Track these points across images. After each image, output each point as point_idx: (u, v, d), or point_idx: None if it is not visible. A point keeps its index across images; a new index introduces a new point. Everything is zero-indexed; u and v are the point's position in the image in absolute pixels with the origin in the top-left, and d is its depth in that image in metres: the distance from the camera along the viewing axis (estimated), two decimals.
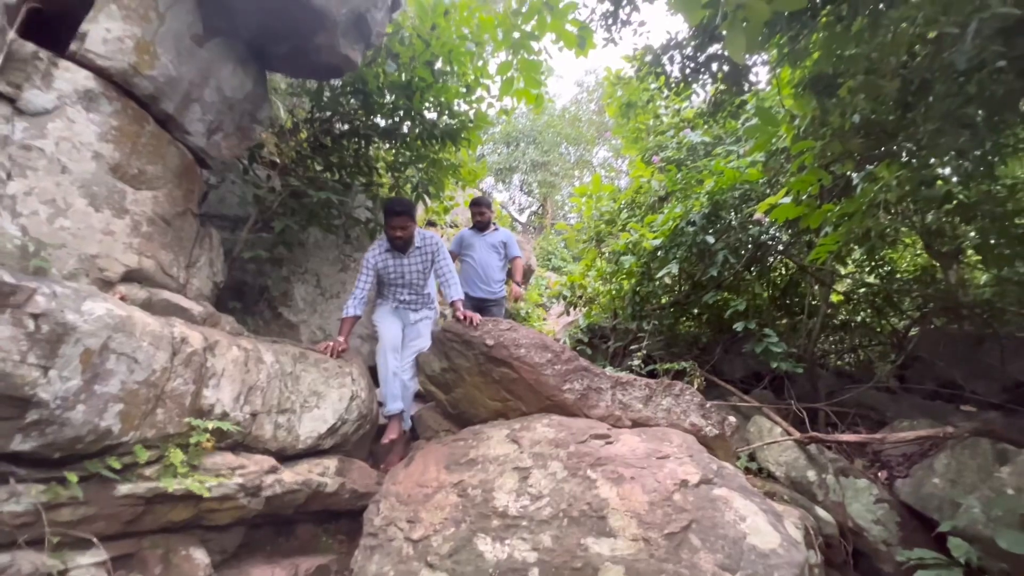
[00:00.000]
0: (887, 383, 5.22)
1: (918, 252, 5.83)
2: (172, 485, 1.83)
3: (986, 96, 2.22)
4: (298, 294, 3.90)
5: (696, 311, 5.62)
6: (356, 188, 3.99)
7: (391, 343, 3.23)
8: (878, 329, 6.03)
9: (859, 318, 6.08)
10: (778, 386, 5.04)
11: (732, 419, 2.95)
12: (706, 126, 5.09)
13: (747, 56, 2.60)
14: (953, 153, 2.44)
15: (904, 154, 2.56)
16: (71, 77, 2.28)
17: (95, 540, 1.60)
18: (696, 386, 4.27)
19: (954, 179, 3.53)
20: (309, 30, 2.94)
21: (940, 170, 3.41)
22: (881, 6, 2.34)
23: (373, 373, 3.35)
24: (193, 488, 1.87)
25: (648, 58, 2.97)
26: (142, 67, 2.47)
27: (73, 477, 1.60)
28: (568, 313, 6.34)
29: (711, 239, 4.47)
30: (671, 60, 2.93)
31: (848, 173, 3.10)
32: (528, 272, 8.26)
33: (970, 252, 4.81)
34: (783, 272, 5.96)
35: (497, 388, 3.05)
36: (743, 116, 3.54)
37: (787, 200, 3.22)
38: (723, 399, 4.44)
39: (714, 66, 2.86)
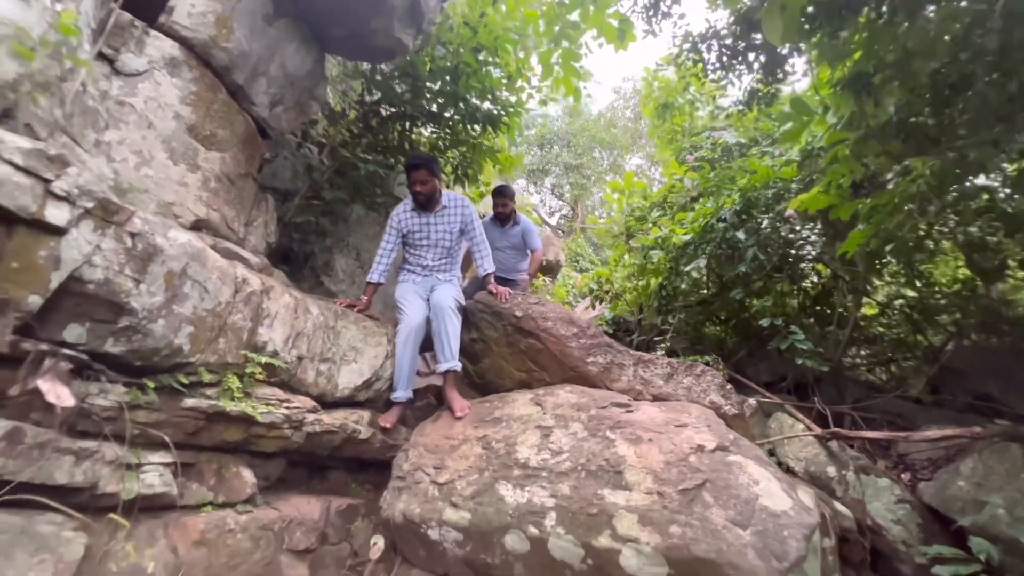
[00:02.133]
0: (918, 393, 5.12)
1: (958, 266, 5.70)
2: (229, 406, 2.03)
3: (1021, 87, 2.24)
4: (339, 265, 4.13)
5: (723, 316, 5.62)
6: (398, 169, 4.21)
7: (413, 325, 2.96)
8: (912, 342, 5.90)
9: (893, 331, 5.96)
10: (803, 393, 5.01)
11: (752, 401, 3.01)
12: (741, 126, 5.13)
13: (784, 45, 2.67)
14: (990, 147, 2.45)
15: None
16: (159, 45, 2.55)
17: (168, 440, 1.81)
18: (732, 388, 4.30)
19: (1001, 190, 3.50)
20: (367, 14, 3.17)
21: (981, 178, 3.38)
22: (928, 9, 2.38)
23: None
24: (247, 411, 2.07)
25: (687, 46, 3.07)
26: (220, 40, 2.73)
27: (151, 384, 1.81)
28: (594, 307, 6.43)
29: (741, 235, 4.50)
30: (709, 48, 3.02)
31: (883, 172, 3.12)
32: (556, 267, 8.38)
33: (1014, 265, 4.70)
34: (815, 280, 5.91)
35: (523, 359, 3.18)
36: (776, 107, 3.59)
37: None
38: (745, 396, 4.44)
39: (751, 56, 2.95)
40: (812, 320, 5.79)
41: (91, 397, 1.64)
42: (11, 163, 1.32)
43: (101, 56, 2.31)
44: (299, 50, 3.26)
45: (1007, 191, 3.67)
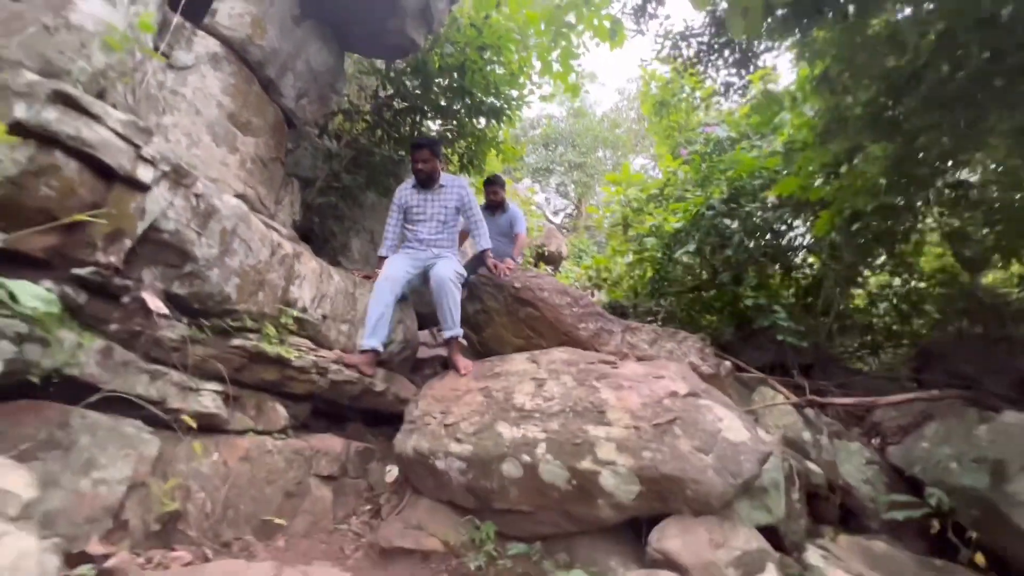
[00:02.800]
0: (898, 375, 5.40)
1: (942, 255, 5.95)
2: (269, 348, 2.38)
3: (961, 80, 2.57)
4: (355, 246, 4.49)
5: (717, 304, 5.90)
6: (407, 158, 4.57)
7: (388, 281, 3.11)
8: (899, 331, 6.15)
9: (883, 320, 6.21)
10: (792, 375, 5.28)
11: (727, 363, 3.32)
12: (732, 122, 5.44)
13: (753, 36, 2.98)
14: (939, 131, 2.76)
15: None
16: (204, 43, 2.92)
17: (222, 370, 2.17)
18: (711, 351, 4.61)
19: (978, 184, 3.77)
20: (384, 15, 3.53)
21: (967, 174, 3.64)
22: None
23: (419, 316, 3.86)
24: (283, 353, 2.43)
25: (668, 43, 3.40)
26: (255, 38, 3.10)
27: (206, 323, 2.17)
28: (593, 294, 6.75)
29: (728, 222, 4.82)
30: (688, 45, 3.35)
31: (850, 158, 3.42)
32: (558, 259, 8.72)
33: (998, 257, 4.95)
34: (808, 272, 6.17)
35: (521, 326, 3.52)
36: (749, 97, 3.92)
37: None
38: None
39: (726, 52, 3.27)
40: (806, 314, 6.06)
41: (162, 329, 2.00)
42: (113, 130, 1.68)
43: (159, 50, 2.68)
44: (322, 48, 3.63)
45: (979, 186, 3.96)
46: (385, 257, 3.46)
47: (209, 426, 2.19)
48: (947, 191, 3.85)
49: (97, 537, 1.65)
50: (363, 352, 2.99)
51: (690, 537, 2.04)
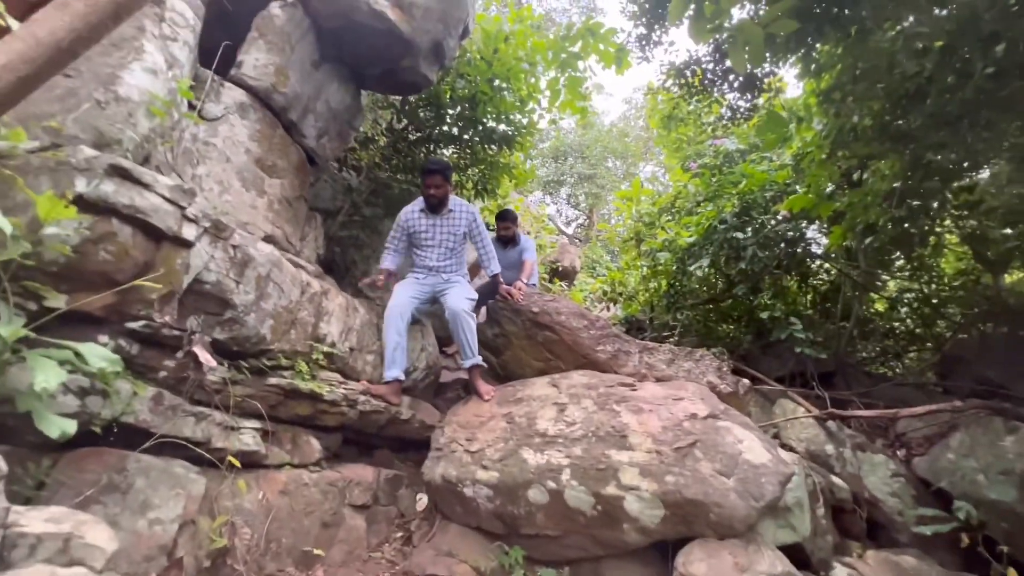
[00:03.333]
0: (922, 381, 5.34)
1: (961, 257, 5.89)
2: (302, 384, 2.50)
3: (965, 98, 2.61)
4: (375, 273, 4.63)
5: (736, 314, 5.91)
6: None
7: (397, 308, 3.14)
8: (922, 335, 6.08)
9: (905, 324, 6.14)
10: (812, 386, 5.26)
11: (746, 381, 3.36)
12: (741, 134, 5.50)
13: (756, 67, 3.07)
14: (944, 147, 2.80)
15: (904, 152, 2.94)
16: (231, 94, 3.10)
17: (260, 408, 2.29)
18: (728, 369, 4.63)
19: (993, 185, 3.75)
20: (398, 55, 3.69)
21: (976, 175, 3.63)
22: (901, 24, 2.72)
23: (439, 339, 3.97)
24: (315, 389, 2.55)
25: (673, 72, 3.49)
26: (279, 86, 3.27)
27: (244, 364, 2.30)
28: (608, 308, 6.81)
29: (740, 235, 4.86)
30: (692, 73, 3.43)
31: (861, 171, 3.47)
32: (572, 273, 8.79)
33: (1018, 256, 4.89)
34: (825, 278, 6.15)
35: (540, 349, 3.60)
36: (755, 120, 3.98)
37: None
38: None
39: (731, 77, 3.35)
40: (824, 320, 6.04)
41: (206, 374, 2.13)
42: (161, 195, 1.82)
43: (191, 106, 2.85)
44: (340, 89, 3.79)
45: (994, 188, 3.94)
46: (387, 269, 3.45)
47: (250, 462, 2.30)
48: (964, 194, 3.82)
49: (154, 574, 1.76)
50: (387, 383, 3.07)
51: (715, 561, 2.09)
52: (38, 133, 1.74)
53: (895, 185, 3.05)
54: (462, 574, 2.41)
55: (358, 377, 3.06)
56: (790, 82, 3.82)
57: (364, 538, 2.62)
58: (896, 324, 6.29)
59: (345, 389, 2.76)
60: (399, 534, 2.74)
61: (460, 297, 3.30)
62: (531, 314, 3.58)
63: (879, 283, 5.77)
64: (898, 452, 4.00)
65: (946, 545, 3.26)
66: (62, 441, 1.41)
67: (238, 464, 2.13)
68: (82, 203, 1.63)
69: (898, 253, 5.15)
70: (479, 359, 3.35)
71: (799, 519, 2.70)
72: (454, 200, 3.45)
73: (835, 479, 3.66)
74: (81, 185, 1.65)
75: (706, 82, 3.39)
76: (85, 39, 1.19)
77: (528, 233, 8.00)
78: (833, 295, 5.98)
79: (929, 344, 6.00)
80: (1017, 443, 3.12)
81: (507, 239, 4.36)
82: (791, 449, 4.13)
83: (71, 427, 1.37)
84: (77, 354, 1.52)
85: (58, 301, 1.58)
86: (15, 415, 1.44)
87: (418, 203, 3.43)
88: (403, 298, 3.23)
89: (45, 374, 1.28)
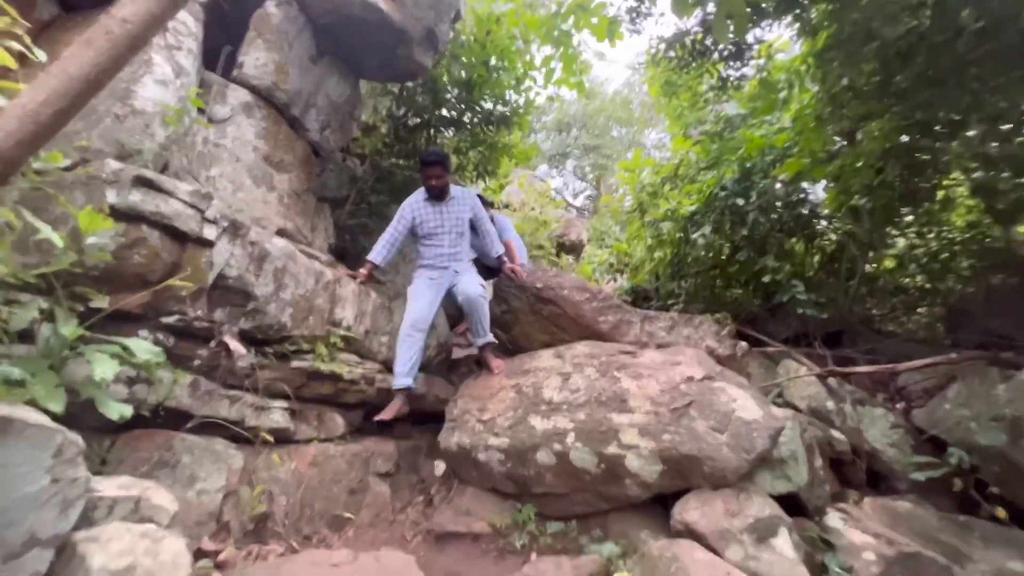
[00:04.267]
0: (930, 336, 5.39)
1: (971, 210, 5.83)
2: (323, 366, 2.71)
3: (956, 54, 2.63)
4: (396, 255, 4.80)
5: (742, 279, 5.96)
6: None
7: (414, 320, 3.10)
8: (931, 290, 6.09)
9: (914, 281, 6.15)
10: (820, 346, 5.35)
11: (744, 344, 3.49)
12: (742, 98, 5.47)
13: (740, 37, 3.08)
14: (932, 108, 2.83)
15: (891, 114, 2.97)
16: (236, 95, 3.23)
17: (287, 389, 2.51)
18: (728, 334, 4.76)
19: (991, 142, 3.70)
20: (392, 44, 3.77)
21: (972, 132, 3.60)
22: None
23: (449, 318, 4.15)
24: (336, 369, 2.75)
25: (662, 45, 3.51)
26: (280, 83, 3.39)
27: (269, 350, 2.50)
28: (615, 280, 6.92)
29: (741, 201, 4.90)
30: (681, 46, 3.44)
31: (853, 134, 3.50)
32: (579, 247, 8.89)
33: None
34: (832, 239, 6.16)
35: (546, 323, 3.77)
36: (750, 89, 3.98)
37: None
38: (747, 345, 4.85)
39: (720, 47, 3.36)
40: (833, 280, 6.06)
41: (236, 360, 2.34)
42: (183, 201, 1.99)
43: (199, 110, 3.00)
44: (339, 82, 3.90)
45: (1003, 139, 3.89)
46: (372, 263, 3.36)
47: (281, 438, 2.53)
48: (975, 143, 3.75)
49: (207, 537, 2.01)
50: (399, 390, 3.06)
51: (707, 508, 2.27)
52: (69, 151, 1.91)
53: (887, 146, 3.08)
54: (480, 530, 2.64)
55: (374, 357, 3.26)
56: (760, 58, 3.81)
57: (389, 502, 2.86)
58: (906, 281, 6.30)
59: (363, 369, 2.97)
60: (420, 498, 2.97)
61: (473, 283, 3.35)
62: (535, 290, 3.73)
63: (888, 241, 5.76)
64: (898, 405, 4.12)
65: (942, 490, 3.41)
66: (120, 423, 1.63)
67: (271, 440, 2.36)
68: (114, 213, 1.81)
69: (906, 208, 5.13)
70: (491, 337, 3.48)
71: (794, 470, 2.86)
72: (453, 188, 3.48)
73: (835, 433, 3.81)
74: (112, 196, 1.83)
75: (695, 54, 3.41)
76: (108, 70, 1.34)
77: (532, 209, 8.09)
78: (840, 255, 6.00)
79: (938, 300, 6.02)
80: (1009, 390, 3.22)
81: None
82: (794, 407, 4.27)
83: (128, 411, 1.58)
84: (124, 348, 1.73)
85: (103, 302, 1.78)
86: (77, 403, 1.65)
87: (420, 194, 3.44)
88: (422, 312, 3.16)
89: (102, 366, 1.48)
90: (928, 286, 6.07)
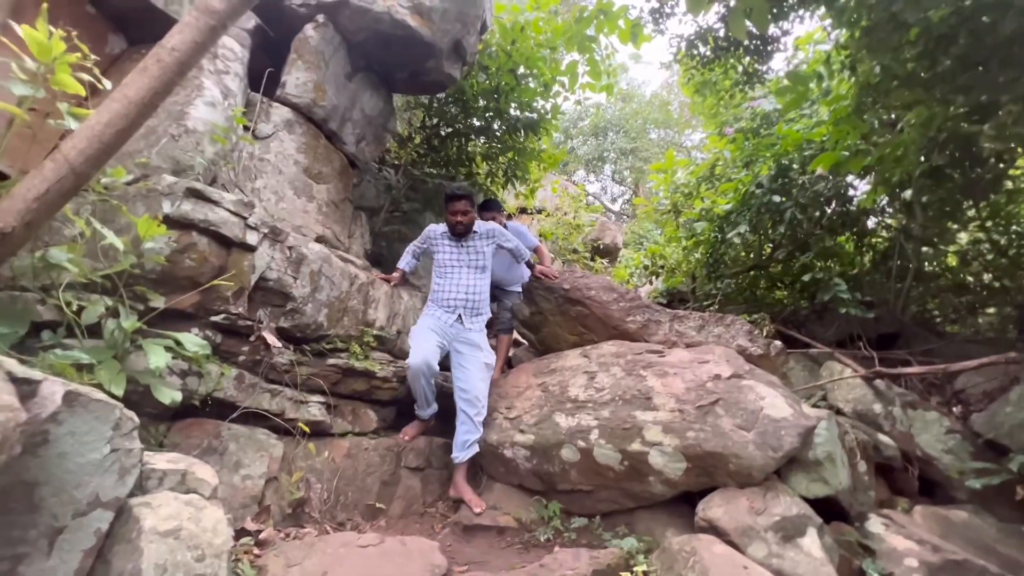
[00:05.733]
0: (999, 338, 5.03)
1: None
2: (357, 364, 2.87)
3: (992, 41, 2.51)
4: (419, 264, 4.99)
5: (786, 279, 5.75)
6: (459, 178, 5.00)
7: (419, 366, 2.89)
8: (998, 288, 5.68)
9: (980, 279, 5.75)
10: (868, 347, 5.09)
11: (778, 343, 3.39)
12: (779, 92, 5.32)
13: (762, 32, 3.03)
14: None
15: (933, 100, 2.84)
16: (279, 112, 3.48)
17: (324, 385, 2.67)
18: (765, 334, 4.61)
19: None
20: (421, 58, 3.95)
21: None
22: None
23: None
24: (369, 366, 2.90)
25: (684, 44, 3.49)
26: (318, 100, 3.63)
27: (307, 348, 2.68)
28: (651, 282, 6.84)
29: (778, 199, 4.76)
30: (704, 43, 3.41)
31: (897, 123, 3.36)
32: (614, 251, 8.84)
33: None
34: (884, 236, 5.85)
35: (574, 324, 3.80)
36: (774, 82, 3.87)
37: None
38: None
39: (746, 42, 3.31)
40: (886, 278, 5.75)
41: (276, 357, 2.53)
42: (228, 210, 2.19)
43: (244, 128, 3.26)
44: (373, 96, 4.12)
45: None
46: (402, 270, 3.47)
47: (318, 431, 2.69)
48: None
49: (249, 518, 2.17)
50: (421, 421, 3.19)
51: (731, 506, 2.24)
52: (131, 167, 2.15)
53: (930, 135, 2.94)
54: (506, 524, 2.70)
55: (405, 357, 3.39)
56: (787, 50, 3.70)
57: (420, 496, 2.97)
58: (970, 279, 5.89)
59: (394, 367, 3.11)
60: (450, 492, 3.06)
61: (476, 377, 3.05)
62: (563, 291, 3.78)
63: (947, 235, 5.41)
64: (954, 409, 3.87)
65: (1004, 500, 3.18)
66: (173, 408, 1.81)
67: (308, 431, 2.52)
68: (168, 221, 2.01)
69: (968, 201, 4.80)
70: (472, 451, 2.98)
71: (831, 473, 2.75)
72: (478, 224, 3.32)
73: (882, 437, 3.62)
74: (167, 207, 2.04)
75: (718, 50, 3.37)
76: (161, 93, 1.52)
77: (565, 213, 8.13)
78: (893, 252, 5.69)
79: (1007, 299, 5.59)
80: None
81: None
82: (838, 411, 4.10)
83: (179, 396, 1.77)
84: (177, 342, 1.92)
85: (158, 301, 1.98)
86: (137, 391, 1.85)
87: (443, 226, 3.33)
88: (426, 359, 2.91)
89: (156, 356, 1.67)
90: (996, 284, 5.66)
